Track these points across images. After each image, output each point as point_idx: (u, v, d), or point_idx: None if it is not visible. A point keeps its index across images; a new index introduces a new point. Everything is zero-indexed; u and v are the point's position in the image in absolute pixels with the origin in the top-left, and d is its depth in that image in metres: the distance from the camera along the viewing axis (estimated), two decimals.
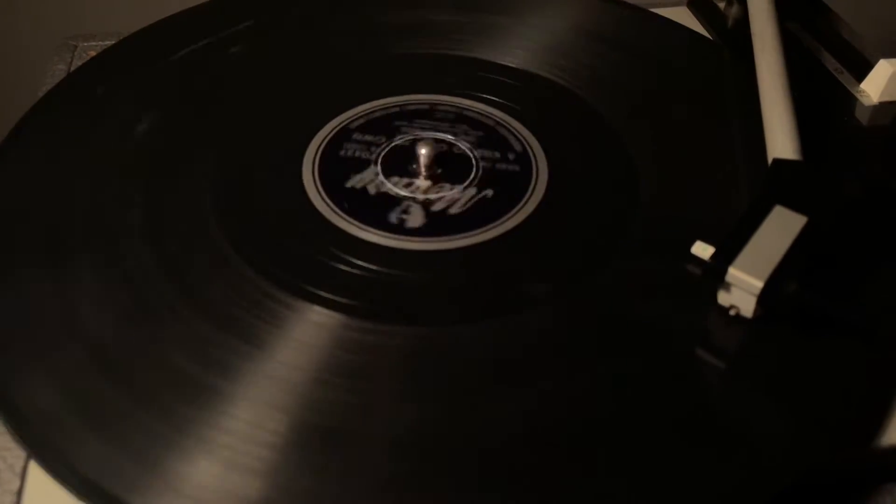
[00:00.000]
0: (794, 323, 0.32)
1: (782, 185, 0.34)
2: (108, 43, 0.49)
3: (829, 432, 0.30)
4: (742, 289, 0.31)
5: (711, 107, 0.44)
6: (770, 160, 0.37)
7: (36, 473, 0.29)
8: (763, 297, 0.31)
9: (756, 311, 0.31)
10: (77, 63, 0.49)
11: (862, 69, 0.46)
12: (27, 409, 0.29)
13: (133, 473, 0.27)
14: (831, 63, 0.47)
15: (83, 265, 0.34)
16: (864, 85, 0.45)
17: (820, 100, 0.45)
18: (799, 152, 0.36)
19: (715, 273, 0.31)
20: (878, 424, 0.31)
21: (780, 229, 0.32)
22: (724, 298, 0.32)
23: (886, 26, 0.72)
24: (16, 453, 0.29)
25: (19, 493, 0.28)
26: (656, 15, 0.50)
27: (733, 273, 0.31)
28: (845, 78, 0.46)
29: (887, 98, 0.45)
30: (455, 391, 0.30)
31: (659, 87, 0.45)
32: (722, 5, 0.53)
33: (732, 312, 0.32)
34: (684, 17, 0.53)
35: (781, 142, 0.36)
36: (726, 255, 0.31)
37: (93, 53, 0.49)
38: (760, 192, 0.34)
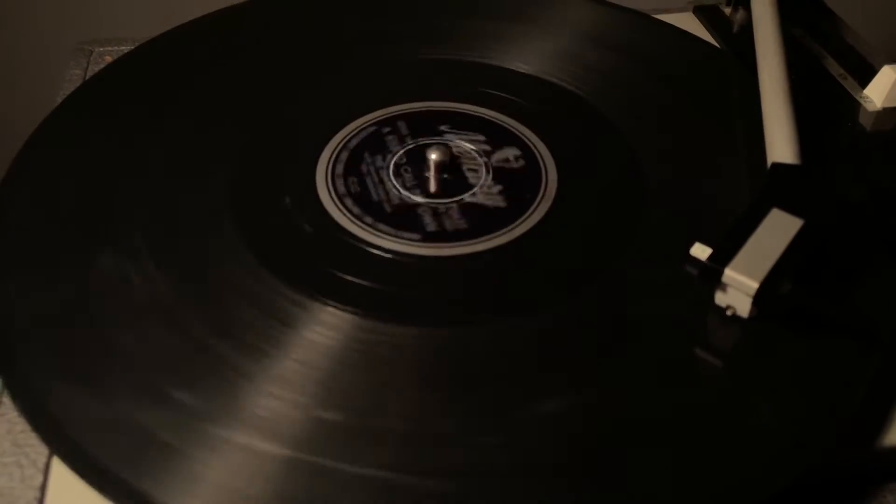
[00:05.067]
0: (791, 323, 0.32)
1: (780, 188, 0.35)
2: (123, 48, 0.50)
3: (829, 432, 0.30)
4: (738, 289, 0.31)
5: (716, 112, 0.44)
6: (769, 164, 0.37)
7: (58, 469, 0.29)
8: (758, 298, 0.31)
9: (752, 311, 0.32)
10: (93, 68, 0.50)
11: (866, 75, 0.46)
12: (49, 406, 0.30)
13: (153, 468, 0.28)
14: (835, 68, 0.48)
15: (102, 267, 0.35)
16: (867, 90, 0.46)
17: (824, 105, 0.45)
18: (798, 157, 0.37)
19: (712, 274, 0.32)
20: (879, 425, 0.31)
21: (776, 232, 0.32)
22: (720, 299, 0.32)
23: (891, 32, 0.72)
24: (38, 449, 0.30)
25: (42, 488, 0.29)
26: (662, 21, 0.51)
27: (729, 274, 0.31)
28: (849, 83, 0.47)
29: (890, 104, 0.45)
30: (464, 390, 0.31)
31: (665, 92, 0.45)
32: (727, 11, 0.53)
33: (729, 313, 0.32)
34: (690, 22, 0.53)
35: (780, 146, 0.37)
36: (723, 257, 0.32)
37: (108, 59, 0.50)
38: (758, 195, 0.34)
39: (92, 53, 0.51)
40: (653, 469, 0.29)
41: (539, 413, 0.30)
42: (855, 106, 0.45)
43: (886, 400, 0.32)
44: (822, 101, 0.46)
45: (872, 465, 0.32)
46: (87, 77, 0.48)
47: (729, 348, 0.32)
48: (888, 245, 0.37)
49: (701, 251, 0.32)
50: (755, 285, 0.31)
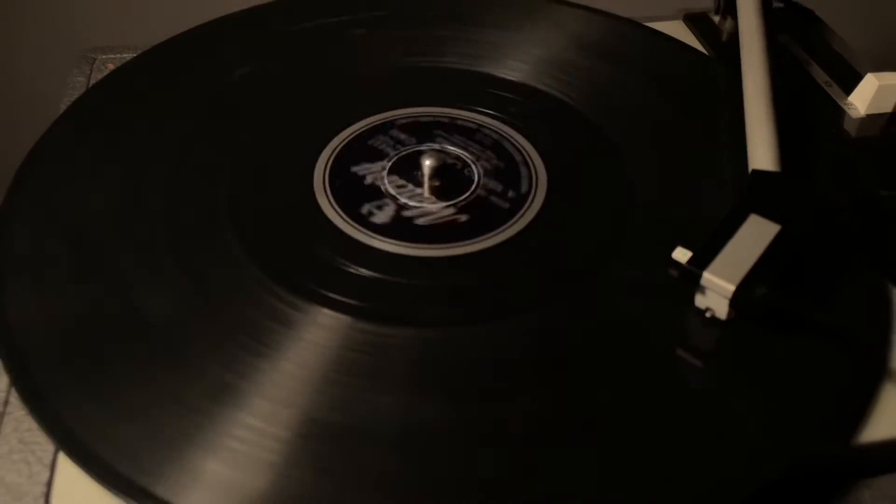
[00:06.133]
0: (769, 325, 0.33)
1: (759, 194, 0.36)
2: (126, 56, 0.51)
3: (806, 430, 0.31)
4: (716, 292, 0.32)
5: (703, 118, 0.45)
6: (750, 171, 0.38)
7: (64, 465, 0.30)
8: (735, 301, 0.32)
9: (730, 313, 0.33)
10: (96, 75, 0.50)
11: (851, 82, 0.47)
12: (56, 405, 0.31)
13: (155, 464, 0.29)
14: (821, 76, 0.49)
15: (106, 270, 0.36)
16: (851, 98, 0.47)
17: (809, 111, 0.46)
18: (778, 164, 0.37)
19: (691, 277, 0.33)
20: (854, 422, 0.32)
21: (754, 236, 0.33)
22: (700, 301, 0.33)
23: (879, 40, 0.73)
24: (45, 447, 0.31)
25: (49, 483, 0.30)
26: (652, 29, 0.51)
27: (707, 277, 0.32)
28: (834, 91, 0.48)
29: (874, 111, 0.46)
30: (456, 390, 0.32)
31: (653, 99, 0.46)
32: (717, 19, 0.54)
33: (708, 314, 0.33)
34: (680, 30, 0.54)
35: (761, 153, 0.38)
36: (702, 260, 0.33)
37: (111, 66, 0.50)
38: (738, 200, 0.35)
39: (95, 61, 0.52)
40: (635, 467, 0.30)
41: (531, 410, 0.31)
42: (839, 113, 0.46)
43: (861, 399, 0.33)
44: (807, 108, 0.46)
45: (849, 462, 0.32)
46: (91, 84, 0.49)
47: (707, 349, 0.33)
48: (867, 249, 0.38)
49: (682, 255, 0.33)
50: (731, 288, 0.32)
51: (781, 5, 0.56)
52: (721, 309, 0.33)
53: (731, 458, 0.30)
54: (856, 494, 0.32)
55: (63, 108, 0.45)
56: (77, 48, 0.53)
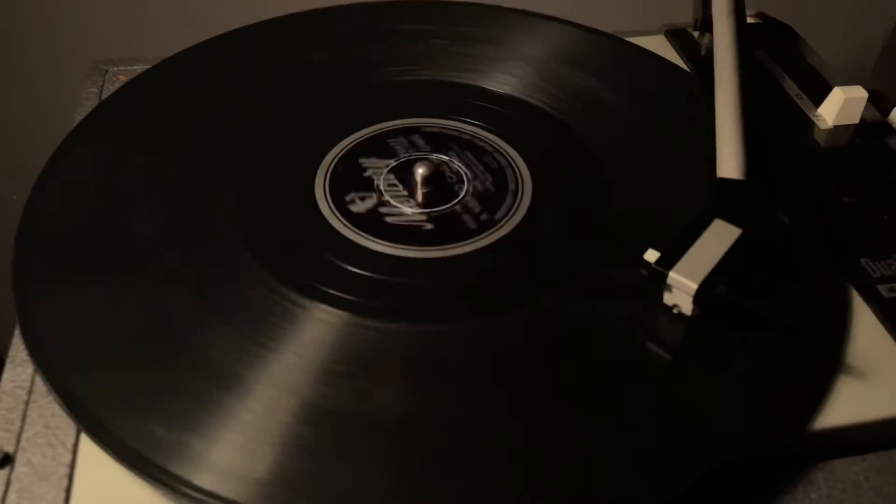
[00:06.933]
0: (731, 321, 0.35)
1: (724, 201, 0.38)
2: (137, 67, 0.52)
3: (766, 417, 0.33)
4: (681, 290, 0.35)
5: (680, 130, 0.47)
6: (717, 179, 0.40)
7: (86, 448, 0.33)
8: (698, 298, 0.34)
9: (694, 310, 0.35)
10: (108, 87, 0.52)
11: (823, 94, 0.49)
12: (81, 393, 0.33)
13: (170, 447, 0.31)
14: (792, 89, 0.51)
15: (120, 268, 0.38)
16: (820, 109, 0.49)
17: (781, 123, 0.49)
18: (743, 173, 0.40)
19: (658, 276, 0.35)
20: (808, 410, 0.35)
21: (717, 239, 0.36)
22: (667, 298, 0.36)
23: (851, 52, 0.75)
24: (67, 431, 0.34)
25: (71, 465, 0.33)
26: (632, 44, 0.53)
27: (673, 276, 0.35)
28: (804, 103, 0.50)
29: (841, 122, 0.49)
30: (446, 381, 0.34)
31: (633, 111, 0.48)
32: (696, 35, 0.57)
33: (675, 311, 0.36)
34: (662, 45, 0.56)
35: (728, 163, 0.40)
36: (668, 261, 0.35)
37: (123, 77, 0.52)
38: (704, 206, 0.38)
39: (107, 72, 0.53)
40: (610, 451, 0.32)
41: (519, 404, 0.34)
42: (809, 124, 0.49)
43: (815, 388, 0.35)
44: (778, 119, 0.49)
45: (804, 446, 0.35)
46: (103, 95, 0.51)
47: (675, 342, 0.36)
48: (827, 251, 0.40)
49: (652, 256, 0.36)
50: (694, 286, 0.34)
51: (761, 21, 0.58)
52: (686, 306, 0.35)
53: (695, 443, 0.32)
54: (811, 476, 0.34)
55: (77, 118, 0.47)
56: (89, 60, 0.54)
